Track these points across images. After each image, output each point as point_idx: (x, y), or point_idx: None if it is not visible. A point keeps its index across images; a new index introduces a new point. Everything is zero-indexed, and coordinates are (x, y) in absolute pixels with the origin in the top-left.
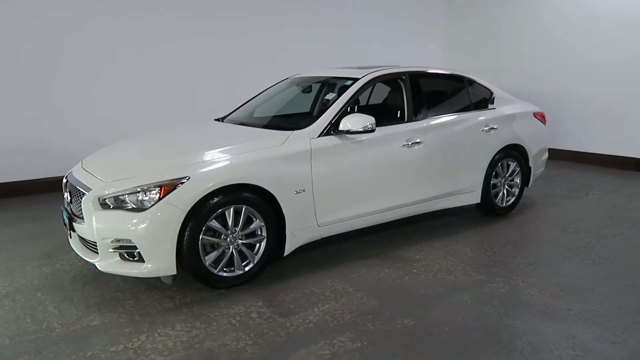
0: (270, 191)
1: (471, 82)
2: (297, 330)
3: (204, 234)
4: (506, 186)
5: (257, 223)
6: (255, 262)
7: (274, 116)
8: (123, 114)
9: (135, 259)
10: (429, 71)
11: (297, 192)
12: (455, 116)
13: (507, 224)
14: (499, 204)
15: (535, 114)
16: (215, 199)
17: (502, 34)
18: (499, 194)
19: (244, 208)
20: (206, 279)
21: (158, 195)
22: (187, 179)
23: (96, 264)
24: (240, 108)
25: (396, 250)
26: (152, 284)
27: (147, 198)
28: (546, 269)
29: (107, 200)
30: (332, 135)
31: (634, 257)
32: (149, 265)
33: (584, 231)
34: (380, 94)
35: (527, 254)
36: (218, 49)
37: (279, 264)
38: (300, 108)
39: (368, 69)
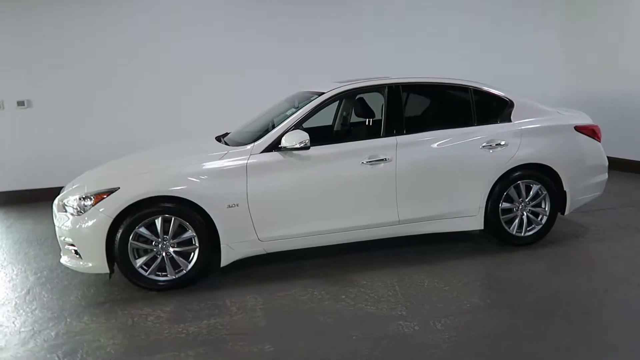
0: (198, 204)
1: (480, 92)
2: (167, 338)
3: (134, 239)
4: (528, 213)
5: (190, 233)
6: (187, 269)
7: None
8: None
9: (78, 256)
10: (419, 82)
11: (229, 206)
12: (443, 131)
13: (514, 257)
14: (515, 232)
15: (577, 128)
16: (144, 209)
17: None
18: (514, 220)
19: (173, 218)
20: (136, 280)
21: (92, 202)
22: (117, 189)
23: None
24: (251, 122)
25: (352, 273)
26: (112, 279)
27: (87, 204)
28: (488, 316)
29: (64, 204)
30: (278, 151)
31: (624, 315)
32: (89, 263)
33: (606, 276)
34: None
35: (490, 295)
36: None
37: (228, 273)
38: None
39: (351, 82)
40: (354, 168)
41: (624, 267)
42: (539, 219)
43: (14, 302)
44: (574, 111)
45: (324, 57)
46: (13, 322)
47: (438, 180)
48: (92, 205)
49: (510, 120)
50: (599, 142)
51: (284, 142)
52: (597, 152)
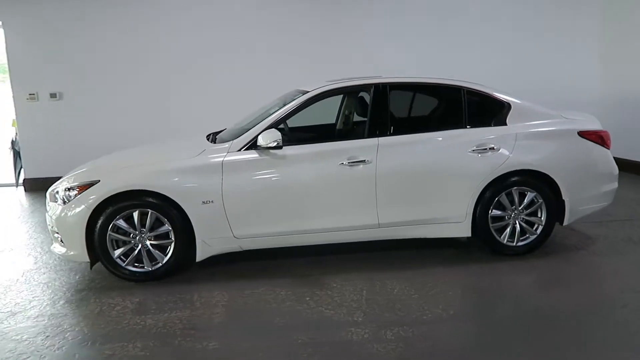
0: (174, 199)
1: (473, 93)
2: (124, 328)
3: (112, 231)
4: (521, 222)
5: (166, 227)
6: (163, 262)
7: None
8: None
9: (63, 244)
10: (408, 82)
11: (204, 203)
12: (428, 134)
13: (502, 267)
14: (507, 241)
15: (581, 133)
16: (122, 201)
17: None
18: (505, 229)
19: (150, 212)
20: (114, 270)
21: (75, 193)
22: (98, 182)
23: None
24: (244, 119)
25: (326, 275)
26: (96, 268)
27: (71, 195)
28: (446, 328)
29: (55, 194)
30: (255, 150)
31: (596, 340)
32: (71, 252)
33: (593, 294)
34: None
35: (457, 306)
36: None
37: (206, 268)
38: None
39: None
40: (331, 169)
41: (618, 285)
42: (534, 228)
43: (6, 284)
44: (583, 115)
45: (342, 55)
46: None
47: (421, 184)
48: (75, 196)
49: (505, 124)
50: (608, 149)
51: (260, 141)
52: (604, 160)
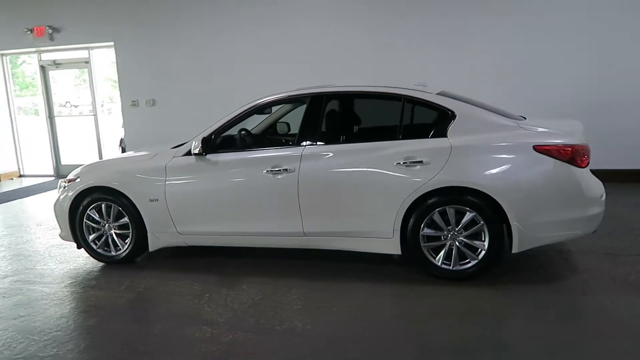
0: (128, 195)
1: (413, 102)
2: (56, 298)
3: (87, 219)
4: (459, 244)
5: (126, 219)
6: (124, 249)
7: None
8: None
9: (59, 226)
10: (347, 91)
11: (151, 200)
12: (354, 145)
13: (430, 291)
14: (442, 264)
15: (539, 148)
16: (92, 195)
17: None
18: (440, 250)
19: (113, 205)
20: (89, 252)
21: (65, 185)
22: (78, 178)
23: None
24: None
25: (248, 277)
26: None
27: (64, 187)
28: (280, 339)
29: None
30: (193, 155)
31: None
32: (62, 233)
33: (485, 340)
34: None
35: (323, 323)
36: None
37: (170, 258)
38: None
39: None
40: (255, 176)
41: (534, 326)
42: (478, 252)
43: (27, 254)
44: (565, 124)
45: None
46: None
47: (343, 195)
48: (65, 187)
49: (445, 135)
50: (582, 167)
51: (192, 148)
52: (571, 180)
